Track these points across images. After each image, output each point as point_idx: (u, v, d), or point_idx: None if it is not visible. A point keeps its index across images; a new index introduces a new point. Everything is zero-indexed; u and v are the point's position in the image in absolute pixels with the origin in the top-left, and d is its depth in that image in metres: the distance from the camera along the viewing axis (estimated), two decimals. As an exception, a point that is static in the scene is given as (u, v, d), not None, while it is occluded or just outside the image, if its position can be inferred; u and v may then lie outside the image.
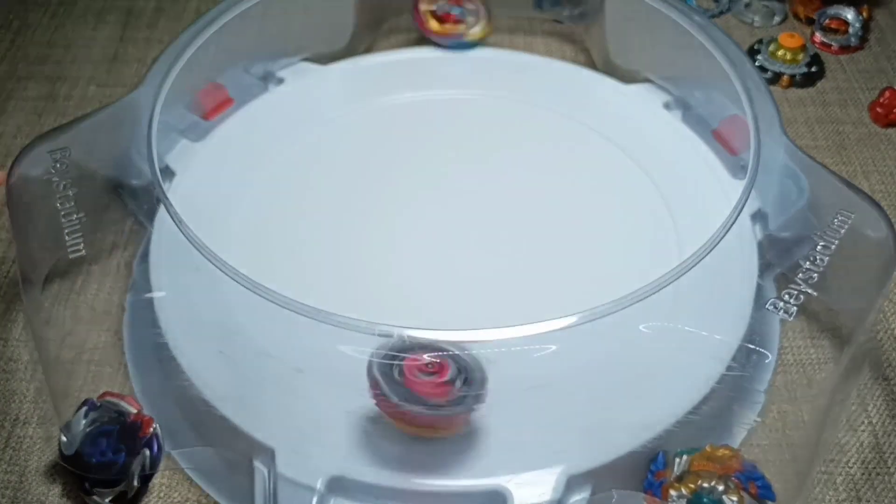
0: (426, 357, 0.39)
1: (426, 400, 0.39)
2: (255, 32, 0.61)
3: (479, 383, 0.39)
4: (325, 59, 0.65)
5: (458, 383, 0.39)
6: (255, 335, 0.45)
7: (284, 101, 0.61)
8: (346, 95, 0.62)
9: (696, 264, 0.43)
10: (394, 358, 0.39)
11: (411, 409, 0.39)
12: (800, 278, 0.44)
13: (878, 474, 0.46)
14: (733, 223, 0.45)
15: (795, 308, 0.43)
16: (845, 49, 0.71)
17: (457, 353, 0.39)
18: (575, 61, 0.70)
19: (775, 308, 0.43)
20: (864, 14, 0.72)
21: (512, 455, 0.42)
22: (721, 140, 0.57)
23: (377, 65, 0.64)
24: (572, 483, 0.41)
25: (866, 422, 0.48)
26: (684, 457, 0.42)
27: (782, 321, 0.49)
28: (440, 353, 0.39)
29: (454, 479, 0.41)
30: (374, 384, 0.39)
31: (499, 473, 0.41)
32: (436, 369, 0.39)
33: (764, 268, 0.48)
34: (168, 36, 0.73)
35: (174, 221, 0.46)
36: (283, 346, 0.44)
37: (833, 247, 0.45)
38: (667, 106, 0.60)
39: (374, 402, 0.40)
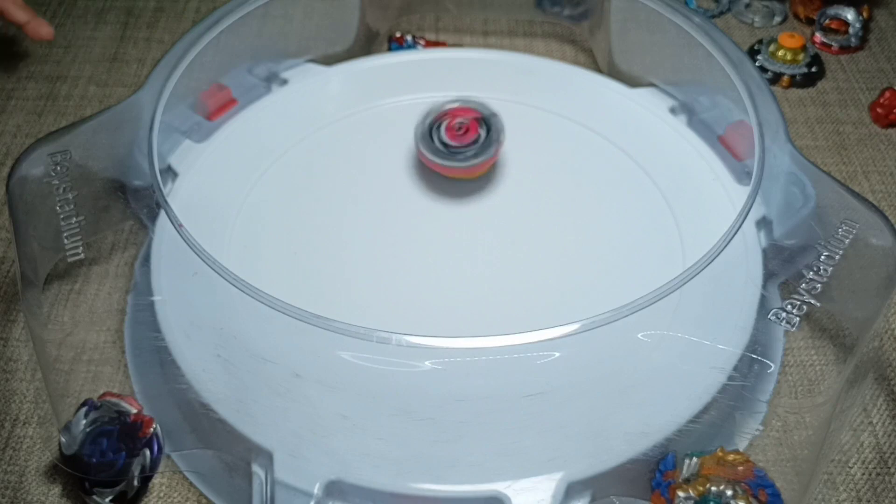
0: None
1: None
2: (259, 34, 0.61)
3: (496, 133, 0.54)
4: (329, 60, 0.65)
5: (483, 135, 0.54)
6: (254, 340, 0.45)
7: (288, 102, 0.61)
8: (350, 97, 0.62)
9: (699, 273, 0.43)
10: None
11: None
12: (803, 288, 0.44)
13: (878, 475, 0.46)
14: (737, 230, 0.45)
15: (798, 318, 0.43)
16: (845, 49, 0.71)
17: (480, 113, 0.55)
18: (575, 62, 0.70)
19: (778, 318, 0.43)
20: (864, 14, 0.72)
21: (511, 461, 0.42)
22: (727, 146, 0.57)
23: (381, 67, 0.64)
24: (572, 490, 0.41)
25: (867, 423, 0.48)
26: (694, 459, 0.42)
27: (785, 331, 0.49)
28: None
29: (453, 484, 0.41)
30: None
31: (498, 479, 0.41)
32: (465, 129, 0.54)
33: (768, 276, 0.48)
34: (168, 36, 0.73)
35: (173, 224, 0.46)
36: (282, 351, 0.44)
37: (837, 257, 0.45)
38: (672, 111, 0.60)
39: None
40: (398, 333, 0.40)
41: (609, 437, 0.42)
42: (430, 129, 0.55)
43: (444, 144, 0.54)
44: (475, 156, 0.53)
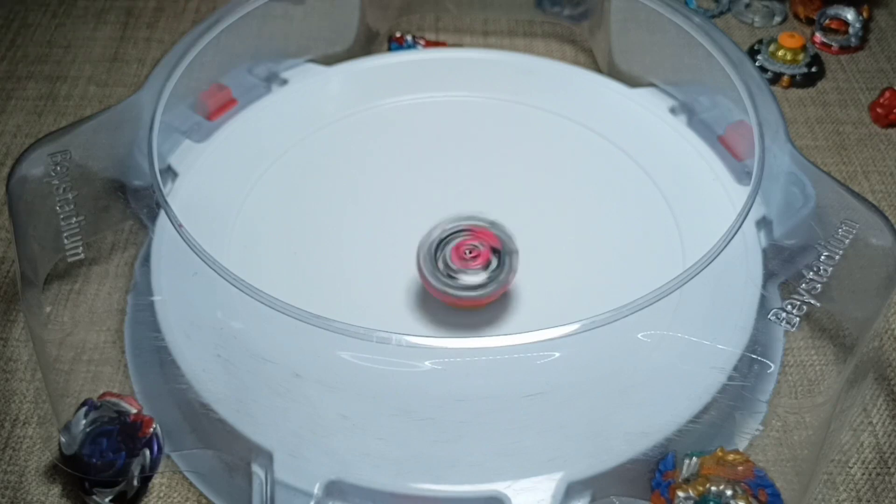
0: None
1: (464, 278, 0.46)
2: (259, 33, 0.61)
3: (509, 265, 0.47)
4: (329, 60, 0.65)
5: (494, 264, 0.47)
6: (254, 340, 0.45)
7: (288, 102, 0.61)
8: (350, 97, 0.62)
9: (699, 273, 0.43)
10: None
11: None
12: (803, 288, 0.44)
13: (878, 475, 0.46)
14: (737, 230, 0.45)
15: (798, 319, 0.43)
16: (845, 49, 0.71)
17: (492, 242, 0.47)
18: (575, 62, 0.70)
19: (777, 318, 0.43)
20: (865, 14, 0.72)
21: (511, 461, 0.42)
22: (727, 146, 0.57)
23: (382, 66, 0.64)
24: (572, 490, 0.41)
25: (867, 423, 0.48)
26: (694, 459, 0.42)
27: (785, 331, 0.49)
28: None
29: (453, 484, 0.41)
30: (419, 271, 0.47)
31: (498, 479, 0.41)
32: (475, 254, 0.47)
33: (768, 276, 0.48)
34: (168, 36, 0.73)
35: (172, 223, 0.46)
36: (282, 351, 0.44)
37: (837, 257, 0.45)
38: (672, 111, 0.60)
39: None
40: (398, 333, 0.40)
41: (609, 437, 0.42)
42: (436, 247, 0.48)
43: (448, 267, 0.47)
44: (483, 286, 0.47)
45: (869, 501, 0.45)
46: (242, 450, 0.43)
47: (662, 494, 0.42)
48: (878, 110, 0.66)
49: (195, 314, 0.46)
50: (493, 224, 0.48)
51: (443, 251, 0.47)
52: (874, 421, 0.48)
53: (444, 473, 0.41)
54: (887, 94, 0.66)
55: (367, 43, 0.69)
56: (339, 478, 0.41)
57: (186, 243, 0.44)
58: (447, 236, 0.47)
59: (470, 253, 0.47)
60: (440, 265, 0.47)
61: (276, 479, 0.41)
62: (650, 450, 0.42)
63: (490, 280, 0.46)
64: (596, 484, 0.42)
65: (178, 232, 0.45)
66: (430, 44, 0.71)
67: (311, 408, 0.43)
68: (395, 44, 0.71)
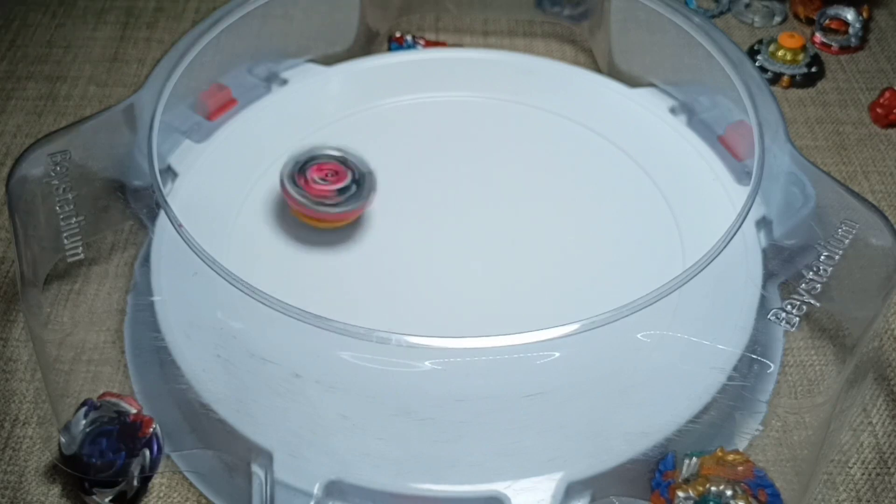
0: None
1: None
2: (259, 33, 0.61)
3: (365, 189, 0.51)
4: (329, 60, 0.65)
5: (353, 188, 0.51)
6: (254, 340, 0.45)
7: (288, 102, 0.61)
8: (350, 97, 0.62)
9: (699, 273, 0.43)
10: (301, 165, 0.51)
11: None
12: (803, 288, 0.43)
13: (878, 475, 0.46)
14: (737, 230, 0.45)
15: (798, 318, 0.43)
16: (845, 49, 0.71)
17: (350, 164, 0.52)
18: (575, 62, 0.70)
19: (777, 318, 0.43)
20: (864, 14, 0.72)
21: (511, 461, 0.42)
22: (727, 146, 0.57)
23: (381, 66, 0.64)
24: (572, 490, 0.41)
25: (867, 423, 0.48)
26: (694, 459, 0.42)
27: (785, 331, 0.49)
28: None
29: (453, 484, 0.41)
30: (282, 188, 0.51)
31: (498, 479, 0.41)
32: (334, 178, 0.51)
33: (767, 276, 0.48)
34: (168, 36, 0.73)
35: (172, 224, 0.46)
36: (282, 351, 0.44)
37: (837, 257, 0.45)
38: (672, 111, 0.60)
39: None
40: (398, 333, 0.40)
41: (609, 437, 0.42)
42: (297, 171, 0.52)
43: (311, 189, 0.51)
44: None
45: (869, 501, 0.45)
46: (242, 450, 0.43)
47: (662, 494, 0.42)
48: (878, 110, 0.66)
49: (195, 314, 0.46)
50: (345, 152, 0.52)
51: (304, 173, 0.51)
52: (874, 421, 0.48)
53: (444, 473, 0.42)
54: (887, 94, 0.66)
55: (367, 43, 0.69)
56: (338, 478, 0.41)
57: (186, 243, 0.44)
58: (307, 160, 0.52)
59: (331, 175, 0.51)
60: (301, 183, 0.51)
61: (276, 479, 0.41)
62: (650, 450, 0.42)
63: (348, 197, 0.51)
64: (596, 484, 0.42)
65: (177, 232, 0.45)
66: (430, 44, 0.71)
67: (311, 408, 0.43)
68: (395, 44, 0.71)
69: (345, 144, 0.53)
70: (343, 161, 0.52)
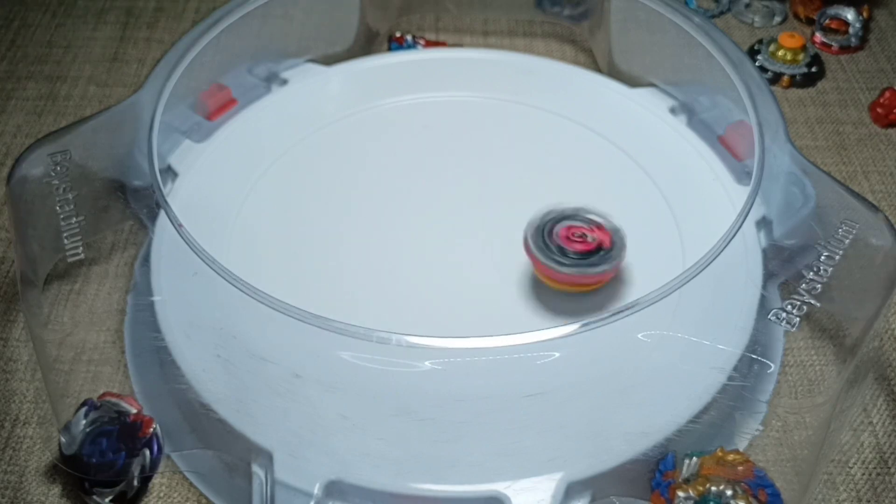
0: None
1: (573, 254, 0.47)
2: (259, 33, 0.61)
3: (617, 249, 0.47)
4: (329, 60, 0.65)
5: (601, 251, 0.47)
6: (254, 340, 0.45)
7: (288, 102, 0.61)
8: (350, 97, 0.62)
9: (699, 273, 0.43)
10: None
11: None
12: (803, 288, 0.43)
13: (878, 475, 0.46)
14: (738, 231, 0.45)
15: (798, 319, 0.43)
16: (845, 49, 0.71)
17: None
18: (575, 62, 0.70)
19: (778, 319, 0.43)
20: (865, 14, 0.72)
21: (511, 461, 0.42)
22: (727, 146, 0.57)
23: (382, 66, 0.64)
24: (572, 490, 0.41)
25: (867, 423, 0.48)
26: (694, 459, 0.42)
27: (785, 331, 0.49)
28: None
29: (453, 484, 0.41)
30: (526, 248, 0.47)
31: (498, 479, 0.41)
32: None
33: (768, 276, 0.48)
34: (168, 36, 0.73)
35: (172, 224, 0.46)
36: (282, 351, 0.44)
37: (837, 257, 0.45)
38: (672, 111, 0.60)
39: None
40: (398, 333, 0.40)
41: (609, 437, 0.42)
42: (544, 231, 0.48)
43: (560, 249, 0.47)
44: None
45: (869, 501, 0.45)
46: (242, 450, 0.43)
47: (662, 494, 0.42)
48: (878, 110, 0.66)
49: (195, 314, 0.46)
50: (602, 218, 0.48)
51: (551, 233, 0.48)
52: (874, 421, 0.48)
53: (444, 473, 0.41)
54: (887, 94, 0.66)
55: (367, 43, 0.69)
56: (339, 478, 0.41)
57: (186, 243, 0.44)
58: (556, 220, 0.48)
59: (579, 237, 0.47)
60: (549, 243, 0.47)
61: (276, 479, 0.41)
62: (650, 450, 0.42)
63: (602, 259, 0.47)
64: (596, 484, 0.42)
65: (178, 232, 0.45)
66: (430, 44, 0.71)
67: (311, 408, 0.43)
68: (395, 44, 0.71)
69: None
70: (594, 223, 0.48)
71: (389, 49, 0.71)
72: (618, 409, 0.43)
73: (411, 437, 0.42)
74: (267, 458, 0.42)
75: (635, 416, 0.43)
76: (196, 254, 0.44)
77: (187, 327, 0.46)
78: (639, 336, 0.43)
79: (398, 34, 0.71)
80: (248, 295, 0.42)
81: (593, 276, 0.46)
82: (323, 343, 0.41)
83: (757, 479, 0.42)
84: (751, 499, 0.41)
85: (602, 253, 0.47)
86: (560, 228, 0.47)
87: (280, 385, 0.43)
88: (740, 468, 0.42)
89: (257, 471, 0.42)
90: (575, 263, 0.46)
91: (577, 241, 0.47)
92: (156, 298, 0.48)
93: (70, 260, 0.47)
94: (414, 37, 0.71)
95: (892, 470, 0.46)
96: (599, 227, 0.48)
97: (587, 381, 0.44)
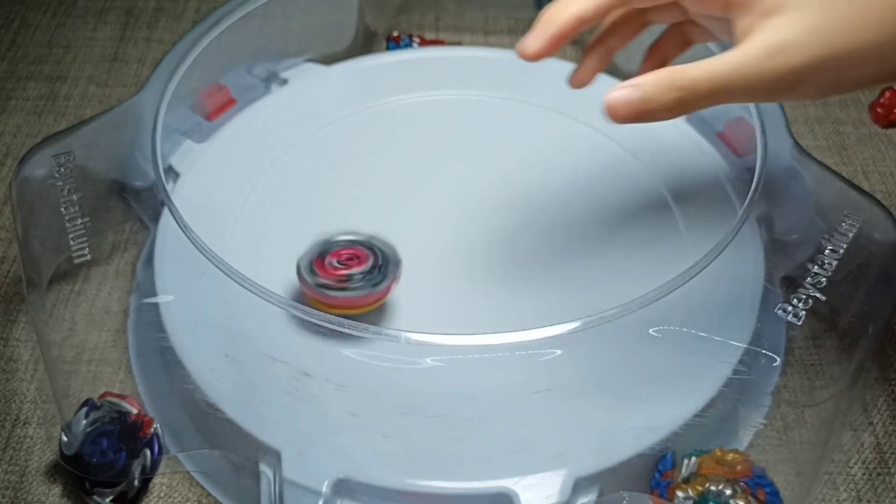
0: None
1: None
2: (259, 34, 0.61)
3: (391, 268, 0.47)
4: (328, 60, 0.65)
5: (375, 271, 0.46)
6: (262, 339, 0.45)
7: (288, 101, 0.61)
8: (349, 96, 0.62)
9: (703, 269, 0.43)
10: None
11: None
12: (808, 282, 0.44)
13: (878, 475, 0.46)
14: (741, 226, 0.45)
15: (804, 312, 0.43)
16: (844, 49, 0.71)
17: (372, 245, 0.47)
18: (575, 61, 0.70)
19: (784, 312, 0.43)
20: (864, 14, 0.72)
21: (519, 457, 0.42)
22: (727, 142, 0.57)
23: (381, 66, 0.64)
24: (579, 485, 0.41)
25: (867, 423, 0.48)
26: (693, 458, 0.42)
27: (790, 325, 0.49)
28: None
29: (461, 481, 0.41)
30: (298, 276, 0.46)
31: (506, 476, 0.41)
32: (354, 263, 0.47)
33: (771, 271, 0.48)
34: (168, 36, 0.73)
35: (179, 226, 0.46)
36: (291, 350, 0.44)
37: (841, 251, 0.45)
38: (672, 108, 0.60)
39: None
40: (406, 331, 0.40)
41: (616, 433, 0.42)
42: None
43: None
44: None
45: (869, 501, 0.45)
46: (250, 449, 0.43)
47: (662, 494, 0.42)
48: (878, 110, 0.66)
49: (202, 314, 0.47)
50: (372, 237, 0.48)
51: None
52: (874, 421, 0.48)
53: (453, 470, 0.42)
54: (887, 94, 0.66)
55: (366, 42, 0.69)
56: (347, 476, 0.41)
57: (194, 244, 0.44)
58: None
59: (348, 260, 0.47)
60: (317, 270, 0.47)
61: (285, 478, 0.41)
62: (657, 444, 0.42)
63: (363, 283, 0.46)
64: (603, 479, 0.42)
65: (185, 233, 0.45)
66: (426, 42, 0.71)
67: (320, 406, 0.43)
68: (394, 43, 0.71)
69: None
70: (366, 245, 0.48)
71: (388, 48, 0.71)
72: (624, 405, 0.44)
73: (420, 434, 0.43)
74: (275, 457, 0.42)
75: (641, 411, 0.43)
76: (204, 254, 0.44)
77: (193, 327, 0.46)
78: (644, 332, 0.43)
79: (396, 34, 0.71)
80: (258, 295, 0.42)
81: (369, 297, 0.46)
82: (331, 341, 0.41)
83: (756, 477, 0.42)
84: (750, 498, 0.41)
85: (370, 273, 0.46)
86: (327, 256, 0.47)
87: (289, 384, 0.43)
88: (739, 467, 0.42)
89: (265, 470, 0.42)
90: (342, 288, 0.46)
91: (338, 269, 0.46)
92: (161, 299, 0.48)
93: (77, 261, 0.47)
94: (411, 36, 0.71)
95: (892, 470, 0.46)
96: (364, 247, 0.48)
97: (594, 376, 0.44)
